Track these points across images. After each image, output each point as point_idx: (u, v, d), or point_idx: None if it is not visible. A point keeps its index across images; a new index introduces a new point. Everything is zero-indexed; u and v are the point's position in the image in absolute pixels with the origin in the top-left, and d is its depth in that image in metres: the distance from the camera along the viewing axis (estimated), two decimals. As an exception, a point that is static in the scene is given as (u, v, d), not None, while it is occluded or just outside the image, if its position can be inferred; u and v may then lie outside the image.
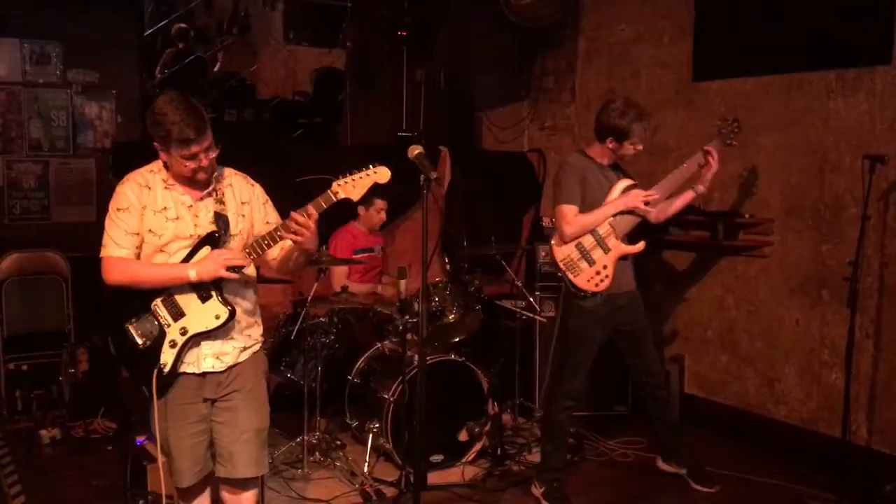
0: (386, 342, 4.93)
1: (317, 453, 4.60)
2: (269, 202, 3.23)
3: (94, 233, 6.31)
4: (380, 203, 5.45)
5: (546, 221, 5.76)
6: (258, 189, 3.21)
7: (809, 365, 4.96)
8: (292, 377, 4.87)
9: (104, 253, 2.95)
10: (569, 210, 4.08)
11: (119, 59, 6.53)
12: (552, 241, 4.21)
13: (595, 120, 4.17)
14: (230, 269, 2.94)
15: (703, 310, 5.59)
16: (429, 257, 5.99)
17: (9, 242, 6.05)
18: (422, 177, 2.70)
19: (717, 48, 5.39)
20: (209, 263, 2.94)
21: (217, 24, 9.76)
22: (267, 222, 3.16)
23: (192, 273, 2.93)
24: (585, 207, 4.11)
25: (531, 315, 5.30)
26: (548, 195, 6.80)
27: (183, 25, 8.49)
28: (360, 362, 4.88)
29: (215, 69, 9.02)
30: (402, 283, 4.40)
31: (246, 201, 3.13)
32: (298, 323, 4.65)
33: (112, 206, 2.97)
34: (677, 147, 5.65)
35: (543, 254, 5.58)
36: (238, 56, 9.14)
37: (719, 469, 4.61)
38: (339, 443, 4.78)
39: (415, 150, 2.76)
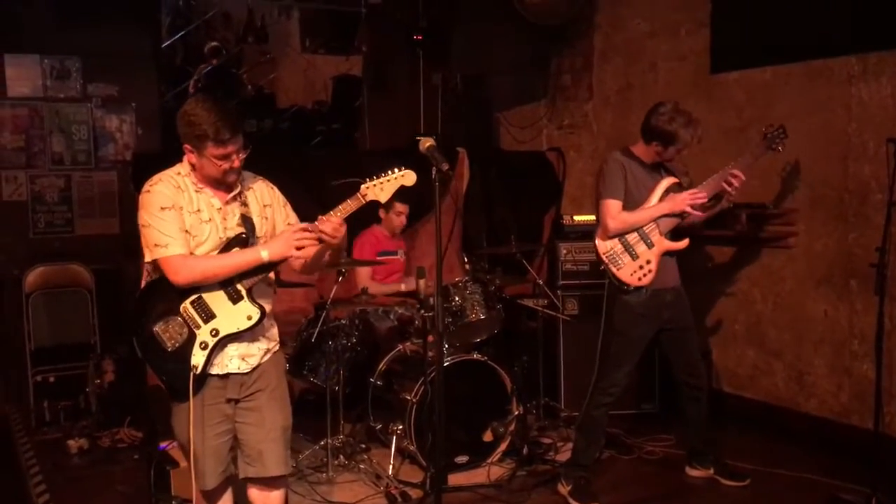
0: (407, 343, 4.90)
1: (341, 457, 4.59)
2: (288, 204, 3.26)
3: (117, 245, 6.42)
4: (399, 206, 5.46)
5: (567, 220, 5.70)
6: (277, 191, 3.24)
7: (839, 356, 4.87)
8: (315, 381, 4.86)
9: (166, 252, 2.88)
10: (613, 205, 4.07)
11: (138, 72, 6.58)
12: (596, 235, 4.20)
13: (643, 121, 4.14)
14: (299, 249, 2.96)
15: (729, 303, 5.51)
16: (447, 257, 6.01)
17: (34, 256, 6.12)
18: (433, 169, 2.68)
19: (735, 38, 5.33)
20: (279, 244, 2.97)
21: (235, 37, 9.84)
22: (288, 223, 3.19)
23: (264, 254, 2.95)
24: (629, 205, 4.10)
25: (554, 313, 5.25)
26: (569, 195, 6.78)
27: (215, 44, 8.58)
28: (381, 364, 4.85)
29: (248, 88, 9.07)
30: (422, 282, 4.38)
31: (268, 204, 3.16)
32: (318, 325, 4.64)
33: (152, 205, 2.91)
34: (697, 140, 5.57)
35: (565, 251, 5.54)
36: (257, 67, 9.20)
37: (749, 464, 4.52)
38: (363, 446, 4.76)
39: (426, 143, 2.75)
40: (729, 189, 4.14)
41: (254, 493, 3.19)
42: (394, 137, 7.17)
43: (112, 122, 6.54)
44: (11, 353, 5.91)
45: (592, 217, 5.67)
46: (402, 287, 5.46)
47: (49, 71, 6.30)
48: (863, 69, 4.64)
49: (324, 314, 4.61)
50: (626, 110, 6.20)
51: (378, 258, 5.44)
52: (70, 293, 6.08)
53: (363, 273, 5.37)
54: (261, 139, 7.56)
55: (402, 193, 5.24)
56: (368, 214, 5.60)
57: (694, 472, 4.50)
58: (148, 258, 2.95)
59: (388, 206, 5.42)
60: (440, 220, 2.61)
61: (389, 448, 4.54)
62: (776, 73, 5.11)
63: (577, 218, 5.69)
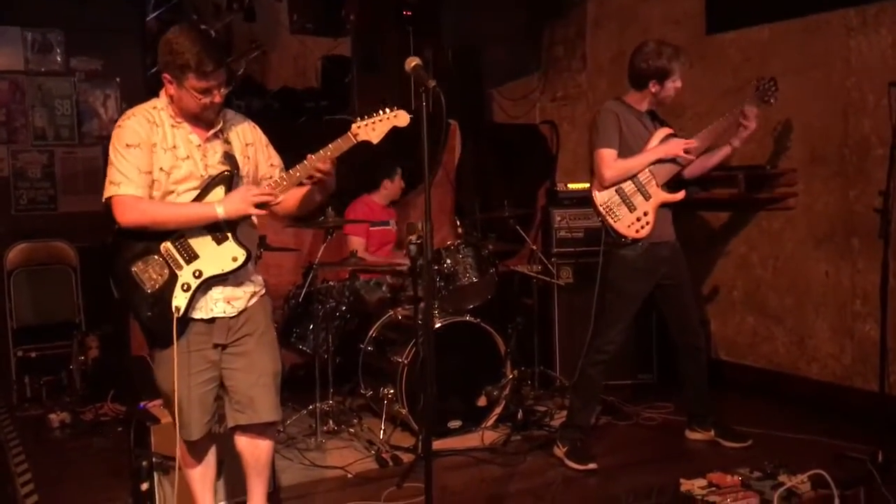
0: (399, 309, 4.78)
1: (330, 422, 4.46)
2: (271, 145, 3.15)
3: (102, 222, 6.27)
4: (400, 171, 5.48)
5: (561, 187, 5.59)
6: (259, 131, 3.12)
7: (841, 318, 4.75)
8: (304, 348, 4.73)
9: (117, 191, 2.75)
10: (608, 154, 3.96)
11: (122, 46, 6.44)
12: (592, 188, 4.08)
13: (630, 67, 4.05)
14: (259, 206, 2.84)
15: (728, 270, 5.40)
16: (439, 224, 5.90)
17: (16, 233, 5.98)
18: (421, 88, 2.57)
19: (730, -3, 5.23)
20: (237, 201, 2.83)
21: (224, 26, 9.69)
22: (271, 164, 3.09)
23: (220, 210, 2.81)
24: (624, 153, 3.99)
25: (548, 279, 5.13)
26: (563, 167, 6.67)
27: (203, 27, 8.40)
28: (372, 331, 4.72)
29: (239, 73, 8.91)
30: (413, 237, 4.24)
31: (250, 143, 3.04)
32: (306, 285, 4.51)
33: (119, 140, 2.78)
34: (693, 104, 5.46)
35: (559, 218, 5.42)
36: (246, 53, 9.05)
37: (752, 428, 4.39)
38: (353, 412, 4.64)
39: (412, 63, 2.63)
40: (746, 122, 4.06)
41: (242, 441, 3.05)
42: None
43: (96, 97, 6.40)
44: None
45: (586, 185, 5.57)
46: (398, 260, 5.36)
47: (31, 43, 6.16)
48: (862, 21, 4.53)
49: (311, 275, 4.47)
50: (621, 78, 5.93)
51: (370, 227, 5.37)
52: (54, 271, 5.95)
53: (357, 244, 5.26)
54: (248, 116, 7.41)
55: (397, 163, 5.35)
56: (361, 182, 5.54)
57: (694, 436, 4.37)
58: (103, 197, 2.82)
59: (390, 174, 5.44)
60: (426, 146, 2.48)
61: (380, 418, 4.41)
62: (773, 31, 5.00)
63: (571, 186, 5.58)
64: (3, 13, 6.01)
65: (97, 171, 6.38)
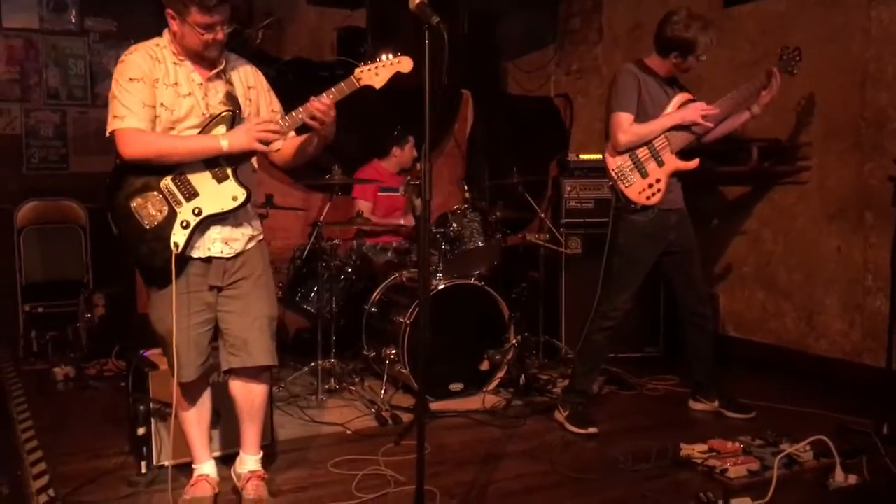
0: (404, 272, 4.75)
1: (332, 380, 4.44)
2: (272, 91, 3.12)
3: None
4: (412, 139, 5.45)
5: (572, 157, 5.54)
6: (262, 76, 3.11)
7: (852, 294, 4.69)
8: (308, 308, 4.72)
9: (120, 124, 2.74)
10: (624, 118, 3.89)
11: (136, 8, 6.38)
12: (605, 151, 4.02)
13: (656, 33, 3.94)
14: (262, 143, 2.83)
15: (738, 245, 5.33)
16: (448, 187, 5.87)
17: (27, 191, 6.00)
18: (425, 25, 2.53)
19: (750, -32, 5.15)
20: (241, 134, 2.82)
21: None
22: (272, 110, 3.06)
23: (224, 143, 2.80)
24: (641, 118, 3.92)
25: (555, 247, 5.09)
26: (576, 141, 6.61)
27: None
28: (377, 293, 4.70)
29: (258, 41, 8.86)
30: (418, 199, 4.22)
31: (252, 86, 3.03)
32: (310, 242, 4.49)
33: (121, 75, 2.77)
34: (709, 78, 5.37)
35: (569, 188, 5.38)
36: (260, 20, 9.02)
37: (757, 402, 4.34)
38: (356, 374, 4.62)
39: (416, 0, 2.59)
40: (769, 88, 4.01)
41: (236, 386, 3.04)
42: (398, 83, 7.00)
43: (109, 58, 6.38)
44: (2, 287, 5.79)
45: (598, 156, 5.52)
46: (402, 222, 5.36)
47: (46, 2, 6.16)
48: (883, -9, 4.45)
49: (316, 232, 4.45)
50: (637, 51, 5.97)
51: (379, 192, 5.36)
52: (63, 230, 5.98)
53: (364, 207, 5.24)
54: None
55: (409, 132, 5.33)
56: (370, 151, 5.53)
57: (698, 406, 4.32)
58: (107, 131, 2.80)
59: (401, 142, 5.41)
60: (431, 71, 2.45)
61: (382, 379, 4.40)
62: (791, 2, 4.92)
63: (582, 156, 5.53)
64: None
65: (109, 132, 6.39)
